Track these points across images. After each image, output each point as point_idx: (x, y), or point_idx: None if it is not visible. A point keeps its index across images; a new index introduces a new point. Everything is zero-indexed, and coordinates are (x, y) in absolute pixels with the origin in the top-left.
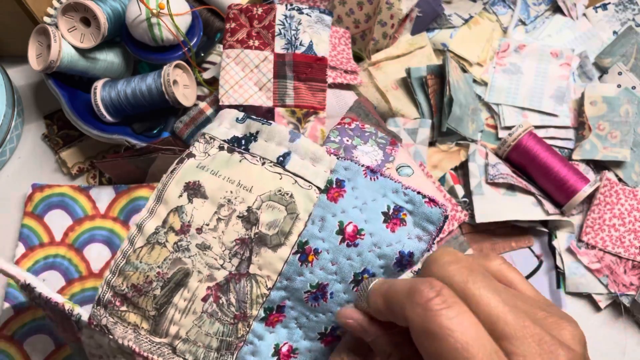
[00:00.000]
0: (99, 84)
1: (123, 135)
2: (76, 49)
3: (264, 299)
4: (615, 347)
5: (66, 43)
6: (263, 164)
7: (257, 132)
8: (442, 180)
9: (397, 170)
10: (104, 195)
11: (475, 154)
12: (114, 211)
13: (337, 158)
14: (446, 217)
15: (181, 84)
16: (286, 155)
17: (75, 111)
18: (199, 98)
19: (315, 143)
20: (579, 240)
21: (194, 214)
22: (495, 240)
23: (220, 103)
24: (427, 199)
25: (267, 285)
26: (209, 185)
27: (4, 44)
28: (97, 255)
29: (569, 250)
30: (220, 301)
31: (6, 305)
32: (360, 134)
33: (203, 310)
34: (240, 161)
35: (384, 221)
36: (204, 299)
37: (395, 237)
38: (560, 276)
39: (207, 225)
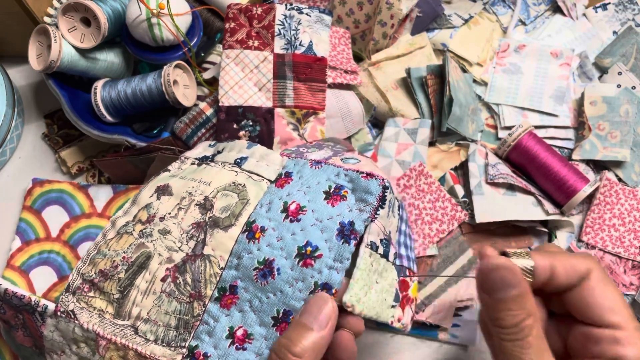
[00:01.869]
0: (99, 84)
1: (123, 135)
2: (76, 49)
3: (217, 279)
4: None
5: (66, 43)
6: (223, 166)
7: (223, 148)
8: (442, 180)
9: (342, 160)
10: (102, 194)
11: (475, 154)
12: (111, 210)
13: (289, 158)
14: (385, 187)
15: (181, 84)
16: (243, 158)
17: (75, 111)
18: (199, 98)
19: (269, 149)
20: (579, 240)
21: (159, 207)
22: (495, 240)
23: (220, 104)
24: (364, 174)
25: (219, 265)
26: (176, 185)
27: (4, 44)
28: None
29: (569, 250)
30: (178, 281)
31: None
32: (317, 145)
33: (162, 290)
34: (204, 167)
35: (325, 198)
36: (163, 279)
37: (336, 211)
38: None
39: (169, 214)
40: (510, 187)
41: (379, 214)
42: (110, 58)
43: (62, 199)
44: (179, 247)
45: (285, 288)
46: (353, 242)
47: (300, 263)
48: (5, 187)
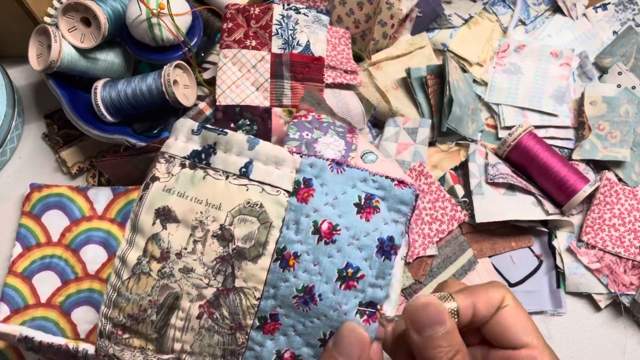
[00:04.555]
0: (99, 84)
1: (123, 135)
2: (76, 49)
3: (256, 309)
4: (615, 347)
5: (66, 43)
6: (227, 177)
7: (215, 144)
8: (442, 180)
9: (361, 158)
10: (101, 197)
11: (475, 154)
12: (111, 213)
13: (301, 156)
14: (417, 196)
15: (181, 84)
16: (248, 164)
17: (75, 111)
18: (199, 98)
19: (275, 145)
20: (579, 240)
21: (170, 240)
22: (495, 240)
23: (217, 103)
24: (396, 182)
25: (255, 296)
26: (179, 209)
27: (4, 44)
28: (93, 256)
29: (569, 250)
30: (215, 316)
31: (2, 304)
32: (319, 126)
33: (200, 326)
34: (204, 178)
35: (358, 212)
36: (199, 317)
37: (372, 226)
38: (560, 276)
39: (185, 249)
40: (511, 187)
41: (410, 224)
42: (110, 58)
43: (62, 203)
44: (207, 284)
45: (329, 312)
46: (394, 257)
47: (343, 286)
48: (5, 188)
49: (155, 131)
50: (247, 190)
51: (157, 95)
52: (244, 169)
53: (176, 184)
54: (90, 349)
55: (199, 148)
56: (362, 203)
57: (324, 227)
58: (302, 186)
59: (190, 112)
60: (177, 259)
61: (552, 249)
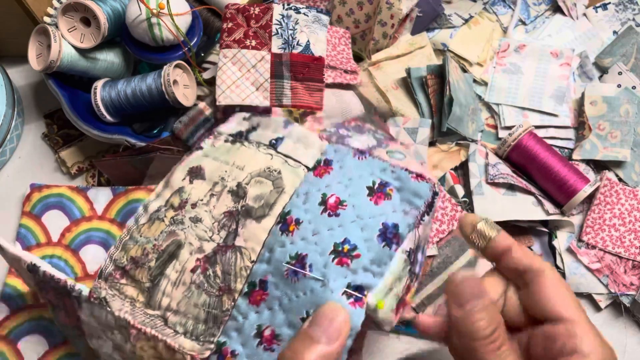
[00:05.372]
0: (99, 84)
1: (123, 135)
2: (76, 49)
3: (248, 272)
4: (616, 347)
5: (66, 43)
6: (258, 147)
7: (258, 124)
8: (442, 180)
9: (387, 153)
10: (101, 197)
11: (475, 154)
12: (111, 213)
13: (329, 142)
14: (435, 193)
15: (181, 84)
16: (279, 139)
17: (75, 111)
18: (199, 98)
19: (308, 130)
20: (579, 240)
21: (191, 192)
22: None
23: (217, 103)
24: (414, 174)
25: (250, 258)
26: (209, 168)
27: (4, 44)
28: (93, 256)
29: (569, 250)
30: (207, 272)
31: (2, 304)
32: (359, 130)
33: (191, 281)
34: (239, 148)
35: (368, 194)
36: (193, 270)
37: (379, 210)
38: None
39: (201, 200)
40: (511, 187)
41: (424, 220)
42: (110, 58)
43: (62, 203)
44: (210, 237)
45: (316, 287)
46: (394, 246)
47: (335, 261)
48: (5, 187)
49: (155, 131)
50: (271, 158)
51: (156, 95)
52: (274, 141)
53: (214, 151)
54: (85, 290)
55: (244, 129)
56: (375, 188)
57: (331, 200)
58: (321, 164)
59: (190, 112)
60: (191, 209)
61: (553, 249)
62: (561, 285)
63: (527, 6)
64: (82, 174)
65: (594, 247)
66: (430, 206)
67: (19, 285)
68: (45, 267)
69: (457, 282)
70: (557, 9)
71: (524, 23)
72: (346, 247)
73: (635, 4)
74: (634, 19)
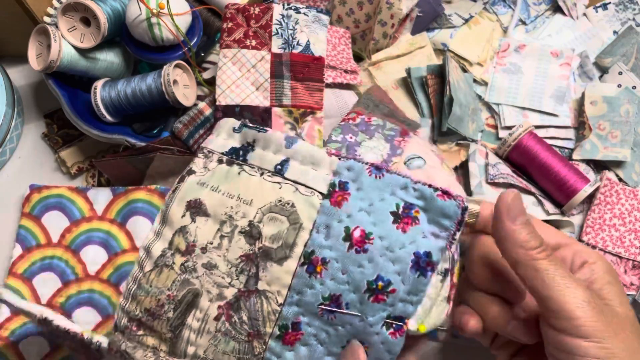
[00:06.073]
0: (99, 84)
1: (123, 135)
2: (76, 49)
3: (277, 316)
4: None
5: (66, 43)
6: (262, 174)
7: (254, 141)
8: None
9: (405, 163)
10: (101, 197)
11: (476, 154)
12: (111, 213)
13: (339, 158)
14: (465, 209)
15: (181, 84)
16: (284, 162)
17: (75, 111)
18: (199, 98)
19: (313, 145)
20: (579, 240)
21: (197, 233)
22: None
23: (217, 103)
24: (439, 192)
25: (277, 301)
26: (210, 202)
27: (4, 44)
28: (93, 257)
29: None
30: (233, 319)
31: (3, 306)
32: (366, 129)
33: (217, 329)
34: (239, 173)
35: (394, 222)
36: (216, 318)
37: (408, 238)
38: None
39: (211, 243)
40: (511, 187)
41: (455, 239)
42: (110, 58)
43: (61, 203)
44: (229, 283)
45: (354, 321)
46: (430, 274)
47: (371, 299)
48: (5, 187)
49: (155, 131)
50: (280, 188)
51: (156, 95)
52: (279, 167)
53: (211, 178)
54: (104, 342)
55: (238, 145)
56: (400, 212)
57: (356, 234)
58: (337, 189)
59: (190, 112)
60: (202, 254)
61: None
62: (541, 224)
63: (527, 6)
64: (82, 174)
65: (594, 247)
66: (460, 223)
67: (20, 286)
68: (58, 320)
69: (510, 198)
70: (557, 9)
71: (524, 23)
72: (380, 284)
73: (635, 4)
74: (634, 19)
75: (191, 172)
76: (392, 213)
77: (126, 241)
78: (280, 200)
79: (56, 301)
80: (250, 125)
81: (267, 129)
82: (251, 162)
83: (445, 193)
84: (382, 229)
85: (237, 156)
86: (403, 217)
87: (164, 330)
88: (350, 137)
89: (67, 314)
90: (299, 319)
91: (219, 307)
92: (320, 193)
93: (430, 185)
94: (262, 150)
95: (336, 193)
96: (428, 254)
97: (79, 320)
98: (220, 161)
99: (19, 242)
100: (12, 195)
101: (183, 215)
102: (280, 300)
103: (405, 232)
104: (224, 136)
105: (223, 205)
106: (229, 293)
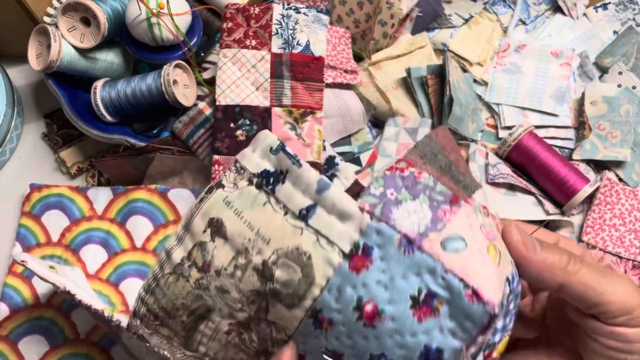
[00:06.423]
0: (98, 84)
1: (123, 135)
2: (76, 49)
3: (286, 341)
4: None
5: (66, 43)
6: (285, 213)
7: (287, 172)
8: None
9: (443, 243)
10: (101, 197)
11: (476, 154)
12: (111, 213)
13: (371, 218)
14: (493, 316)
15: (181, 84)
16: (311, 208)
17: (75, 111)
18: (199, 98)
19: (348, 196)
20: (580, 240)
21: (214, 254)
22: None
23: (217, 103)
24: (469, 291)
25: (286, 333)
26: (231, 226)
27: (4, 44)
28: (93, 256)
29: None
30: (243, 337)
31: (2, 305)
32: (412, 186)
33: (227, 341)
34: (264, 204)
35: (412, 306)
36: (227, 333)
37: (422, 328)
38: None
39: (225, 270)
40: (511, 187)
41: (476, 342)
42: (110, 58)
43: (61, 203)
44: (240, 308)
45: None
46: None
47: None
48: (5, 187)
49: (155, 131)
50: (301, 234)
51: (156, 95)
52: (304, 212)
53: (237, 199)
54: (124, 321)
55: (272, 169)
56: (421, 299)
57: (368, 308)
58: (359, 252)
59: (190, 112)
60: (216, 276)
61: None
62: (537, 230)
63: (527, 6)
64: (82, 174)
65: (594, 247)
66: (484, 329)
67: (19, 285)
68: (80, 295)
69: (515, 234)
70: (557, 9)
71: (524, 23)
72: None
73: (636, 4)
74: (634, 19)
75: (220, 185)
76: (412, 297)
77: (126, 241)
78: (297, 248)
79: (55, 300)
80: (289, 151)
81: (302, 162)
82: (278, 195)
83: (475, 294)
84: (396, 310)
85: (267, 183)
86: (423, 305)
87: (179, 329)
88: (392, 194)
89: (66, 313)
90: (304, 354)
91: (230, 324)
92: (342, 251)
93: (461, 280)
94: (292, 187)
95: (357, 257)
96: (440, 351)
97: (77, 319)
98: (250, 182)
99: (19, 241)
100: (12, 195)
101: (204, 231)
102: (290, 333)
103: (420, 322)
104: (259, 154)
105: (242, 236)
106: (241, 315)
